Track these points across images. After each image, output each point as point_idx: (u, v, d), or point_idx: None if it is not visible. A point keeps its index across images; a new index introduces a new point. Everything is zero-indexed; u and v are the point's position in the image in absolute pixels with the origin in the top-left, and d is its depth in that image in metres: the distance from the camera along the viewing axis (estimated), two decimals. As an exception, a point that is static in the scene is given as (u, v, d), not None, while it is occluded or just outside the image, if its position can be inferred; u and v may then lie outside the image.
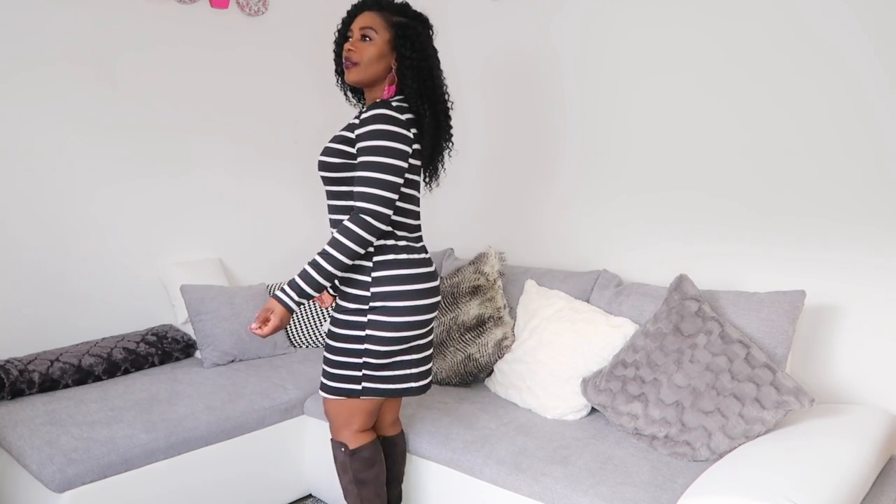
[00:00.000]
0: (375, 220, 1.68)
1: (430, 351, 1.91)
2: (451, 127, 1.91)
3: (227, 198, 3.11)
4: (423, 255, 1.85)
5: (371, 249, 1.78)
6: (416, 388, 1.87)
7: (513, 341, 2.49)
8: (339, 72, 1.92)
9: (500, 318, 2.52)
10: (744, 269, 2.38)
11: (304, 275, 1.70)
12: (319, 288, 1.71)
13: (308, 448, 2.48)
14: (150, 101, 2.81)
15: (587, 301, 2.48)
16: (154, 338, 2.72)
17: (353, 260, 1.71)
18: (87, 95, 2.63)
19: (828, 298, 2.21)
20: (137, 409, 2.23)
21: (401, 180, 1.71)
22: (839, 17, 2.10)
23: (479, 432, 2.13)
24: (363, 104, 1.97)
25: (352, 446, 1.89)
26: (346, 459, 1.89)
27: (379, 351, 1.78)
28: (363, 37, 1.78)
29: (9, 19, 2.42)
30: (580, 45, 2.70)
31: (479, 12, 3.01)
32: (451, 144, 1.93)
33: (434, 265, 1.92)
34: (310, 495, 2.60)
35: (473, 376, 2.52)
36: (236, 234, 3.17)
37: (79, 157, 2.64)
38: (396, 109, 1.73)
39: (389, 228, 1.77)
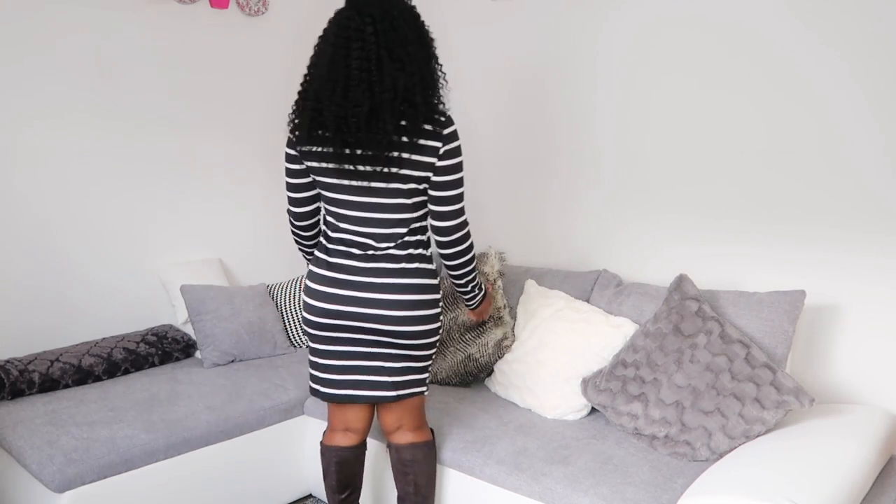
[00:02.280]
0: (288, 214, 1.91)
1: (333, 363, 1.85)
2: (355, 115, 1.66)
3: (227, 198, 3.11)
4: (331, 259, 1.80)
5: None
6: (322, 393, 1.88)
7: (513, 341, 2.49)
8: None
9: (500, 318, 2.52)
10: (744, 269, 2.38)
11: None
12: None
13: (308, 448, 2.47)
14: (149, 101, 2.80)
15: (587, 301, 2.48)
16: (154, 338, 2.71)
17: (300, 250, 2.00)
18: (87, 95, 2.63)
19: (828, 298, 2.21)
20: (137, 409, 2.23)
21: (290, 180, 1.85)
22: (832, 24, 2.11)
23: (479, 432, 2.13)
24: None
25: (324, 442, 2.03)
26: (322, 449, 2.04)
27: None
28: None
29: (8, 19, 2.42)
30: (579, 47, 2.70)
31: (480, 13, 3.01)
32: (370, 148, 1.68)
33: (345, 273, 1.78)
34: (310, 495, 2.60)
35: (473, 376, 2.52)
36: (236, 234, 3.17)
37: (78, 156, 2.64)
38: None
39: (293, 223, 1.93)
